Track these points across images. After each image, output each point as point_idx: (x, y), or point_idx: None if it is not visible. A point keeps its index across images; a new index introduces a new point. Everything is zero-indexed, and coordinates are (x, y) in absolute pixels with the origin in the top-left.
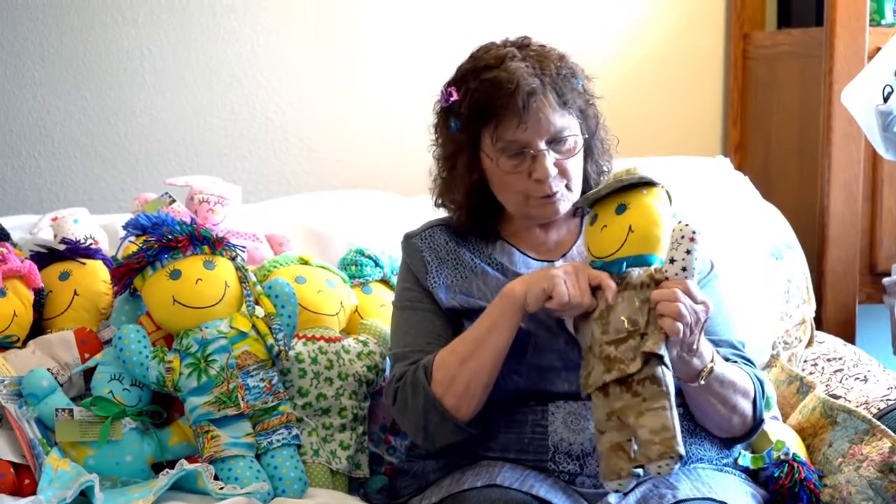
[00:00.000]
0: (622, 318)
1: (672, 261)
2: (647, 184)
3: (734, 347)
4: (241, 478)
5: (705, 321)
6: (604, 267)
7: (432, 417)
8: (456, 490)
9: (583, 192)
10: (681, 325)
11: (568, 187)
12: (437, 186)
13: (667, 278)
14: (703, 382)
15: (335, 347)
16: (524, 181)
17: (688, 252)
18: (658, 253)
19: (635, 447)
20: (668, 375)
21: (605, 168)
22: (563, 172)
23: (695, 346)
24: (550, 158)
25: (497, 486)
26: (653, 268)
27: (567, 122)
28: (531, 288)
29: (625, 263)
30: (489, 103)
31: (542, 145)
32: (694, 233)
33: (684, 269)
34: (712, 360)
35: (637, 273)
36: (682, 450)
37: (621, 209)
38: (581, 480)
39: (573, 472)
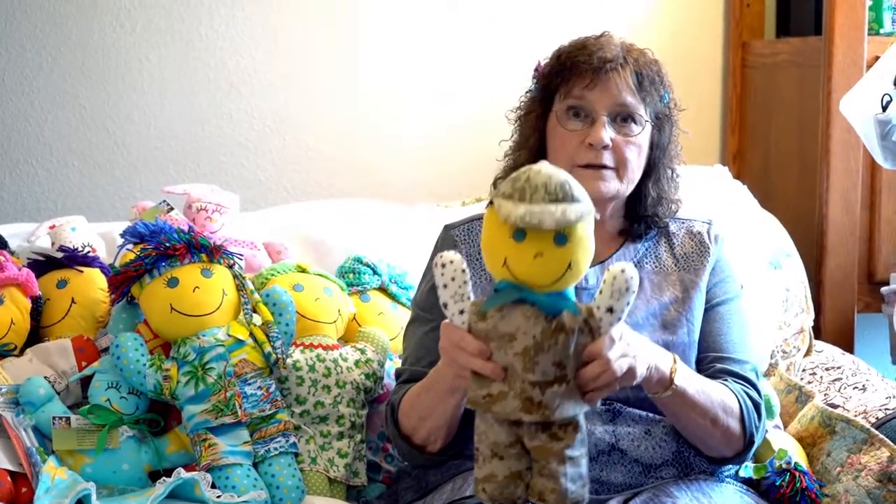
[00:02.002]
0: (552, 362)
1: (611, 310)
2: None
3: (743, 371)
4: (239, 486)
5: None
6: (536, 300)
7: (403, 448)
8: (457, 497)
9: (635, 211)
10: (611, 388)
11: (619, 174)
12: (504, 162)
13: (600, 328)
14: (677, 385)
15: (333, 355)
16: (577, 146)
17: (627, 304)
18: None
19: (528, 476)
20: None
21: (665, 196)
22: (617, 152)
23: (635, 381)
24: (609, 132)
25: None
26: (587, 312)
27: (637, 107)
28: (449, 373)
29: (552, 297)
30: (569, 60)
31: (605, 114)
32: (633, 281)
33: (619, 318)
34: (674, 361)
35: (571, 318)
36: (588, 496)
37: (562, 240)
38: None
39: None
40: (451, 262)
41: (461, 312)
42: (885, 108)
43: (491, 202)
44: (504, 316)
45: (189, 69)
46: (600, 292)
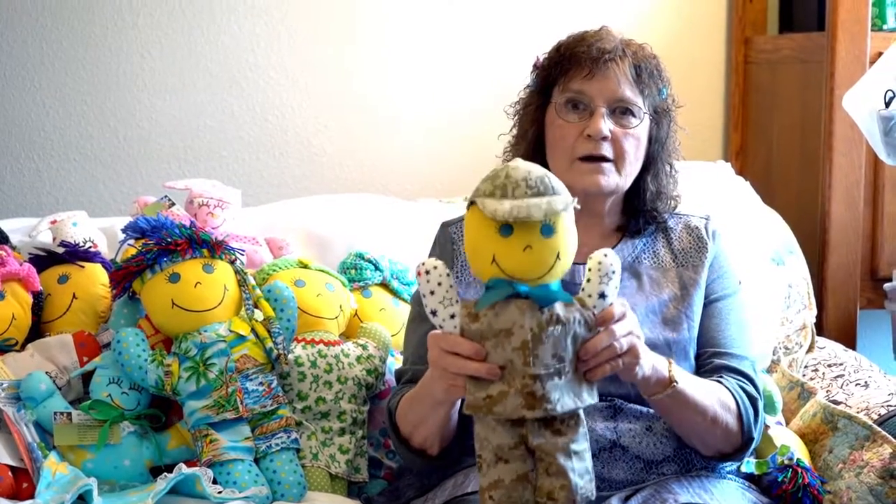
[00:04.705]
0: (551, 354)
1: (602, 295)
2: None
3: (741, 366)
4: (240, 482)
5: (638, 338)
6: (529, 292)
7: (402, 453)
8: (459, 493)
9: (634, 206)
10: (614, 364)
11: (618, 167)
12: (504, 157)
13: (594, 314)
14: (677, 382)
15: (334, 351)
16: (575, 137)
17: (615, 287)
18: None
19: (533, 477)
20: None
21: (664, 191)
22: (616, 144)
23: (637, 368)
24: (608, 123)
25: None
26: (579, 303)
27: (636, 100)
28: (439, 386)
29: (545, 289)
30: (568, 51)
31: (603, 106)
32: (617, 262)
33: (611, 304)
34: (669, 362)
35: (565, 308)
36: (595, 492)
37: (548, 231)
38: None
39: None
40: (435, 267)
41: (452, 317)
42: (888, 105)
43: (471, 203)
44: (498, 313)
45: (191, 64)
46: (588, 280)
